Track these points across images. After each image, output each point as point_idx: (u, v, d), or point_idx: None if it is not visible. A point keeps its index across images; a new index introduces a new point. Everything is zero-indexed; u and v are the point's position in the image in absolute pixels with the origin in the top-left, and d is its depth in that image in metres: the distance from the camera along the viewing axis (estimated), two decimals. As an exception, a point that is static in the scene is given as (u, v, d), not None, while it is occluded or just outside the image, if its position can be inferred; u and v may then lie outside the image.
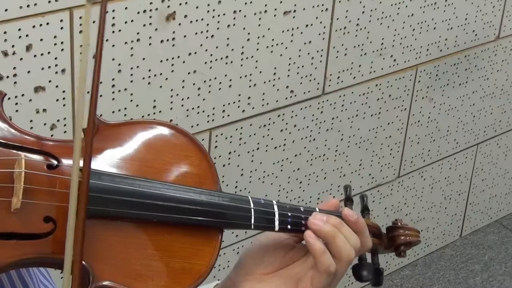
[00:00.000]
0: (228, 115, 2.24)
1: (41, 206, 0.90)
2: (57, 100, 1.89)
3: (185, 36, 2.05)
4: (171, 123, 1.04)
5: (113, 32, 1.92)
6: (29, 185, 0.89)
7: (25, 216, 0.89)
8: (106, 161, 0.97)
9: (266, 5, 2.17)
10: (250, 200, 1.02)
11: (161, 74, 2.05)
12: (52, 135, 1.92)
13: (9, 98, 1.83)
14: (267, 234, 1.07)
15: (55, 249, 0.89)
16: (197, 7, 2.04)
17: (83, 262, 0.88)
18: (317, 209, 1.08)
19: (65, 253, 0.84)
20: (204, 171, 1.02)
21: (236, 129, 2.28)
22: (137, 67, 2.00)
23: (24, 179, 0.88)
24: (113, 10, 1.90)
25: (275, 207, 1.03)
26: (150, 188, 0.96)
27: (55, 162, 0.92)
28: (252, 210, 1.01)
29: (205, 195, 0.99)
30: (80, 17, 1.85)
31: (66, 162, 0.93)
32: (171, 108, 2.11)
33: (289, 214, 1.04)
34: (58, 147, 0.95)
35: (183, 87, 2.11)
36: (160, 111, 2.09)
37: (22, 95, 1.84)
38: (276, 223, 1.03)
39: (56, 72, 1.86)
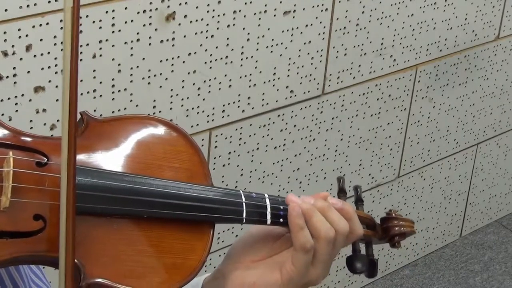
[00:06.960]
0: (228, 115, 2.24)
1: (31, 204, 0.89)
2: (57, 100, 1.89)
3: (185, 36, 2.05)
4: (163, 118, 1.03)
5: (113, 32, 1.92)
6: (18, 183, 0.88)
7: (15, 214, 0.88)
8: (96, 158, 0.96)
9: (266, 5, 2.17)
10: (242, 194, 1.01)
11: (161, 74, 2.05)
12: (52, 135, 1.92)
13: (9, 98, 1.83)
14: (258, 225, 1.06)
15: (45, 246, 0.89)
16: (197, 7, 2.04)
17: (74, 260, 0.88)
18: None
19: (59, 251, 0.83)
20: (195, 165, 1.02)
21: (236, 129, 2.27)
22: (137, 67, 2.00)
23: (12, 178, 0.88)
24: (113, 10, 1.89)
25: (267, 201, 1.03)
26: (139, 184, 0.95)
27: (45, 160, 0.92)
28: (244, 204, 1.01)
29: (195, 190, 0.98)
30: (80, 17, 1.85)
31: (55, 159, 0.92)
32: (171, 108, 2.11)
33: (281, 207, 1.03)
34: (47, 144, 0.94)
35: (183, 87, 2.11)
36: (160, 111, 2.09)
37: (22, 95, 1.84)
38: (268, 216, 1.02)
39: (56, 72, 1.86)
